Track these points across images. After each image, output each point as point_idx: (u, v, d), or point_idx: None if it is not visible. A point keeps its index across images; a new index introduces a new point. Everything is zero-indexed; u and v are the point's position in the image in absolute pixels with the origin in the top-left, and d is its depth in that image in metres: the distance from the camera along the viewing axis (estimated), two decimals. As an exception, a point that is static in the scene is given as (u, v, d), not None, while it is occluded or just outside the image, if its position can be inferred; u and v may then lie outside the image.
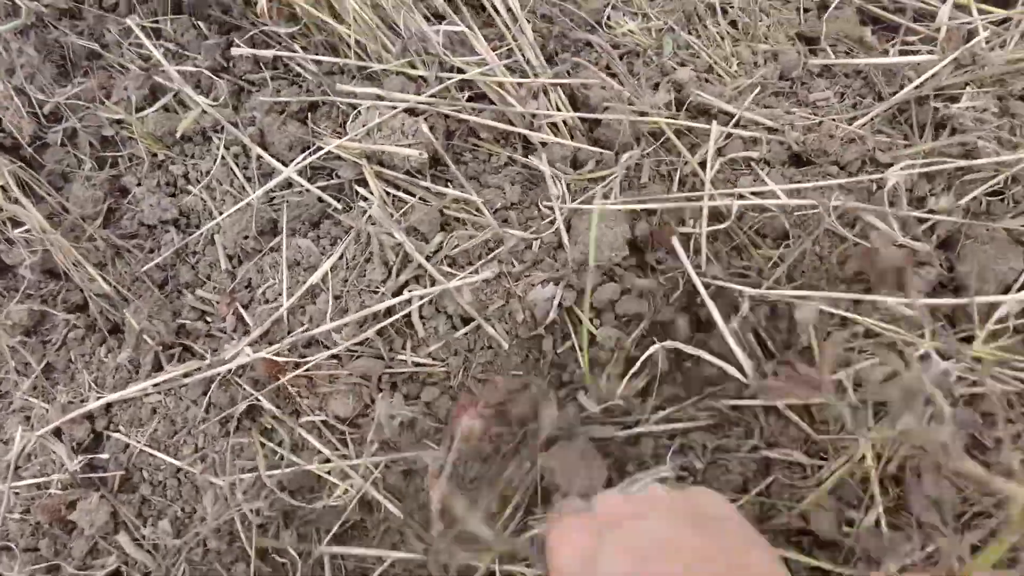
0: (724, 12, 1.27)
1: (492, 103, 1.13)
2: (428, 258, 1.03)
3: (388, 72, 1.13)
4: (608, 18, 1.25)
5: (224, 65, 1.24)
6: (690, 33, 1.28)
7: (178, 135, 1.18)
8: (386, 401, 0.91)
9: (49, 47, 1.26)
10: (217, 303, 1.14)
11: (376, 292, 1.02)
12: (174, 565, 1.01)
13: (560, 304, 1.01)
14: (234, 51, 1.13)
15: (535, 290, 1.04)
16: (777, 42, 1.24)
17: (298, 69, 1.21)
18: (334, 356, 1.02)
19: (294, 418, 1.04)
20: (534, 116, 1.11)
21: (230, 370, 1.04)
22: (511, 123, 1.11)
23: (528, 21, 1.15)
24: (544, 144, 1.13)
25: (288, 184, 1.15)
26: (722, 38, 1.25)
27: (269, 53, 1.17)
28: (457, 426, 0.79)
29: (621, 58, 1.22)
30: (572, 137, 1.13)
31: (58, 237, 1.10)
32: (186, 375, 1.06)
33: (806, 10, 1.30)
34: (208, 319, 1.14)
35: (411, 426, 1.00)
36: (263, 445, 1.02)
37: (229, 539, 1.00)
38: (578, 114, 1.13)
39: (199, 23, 1.27)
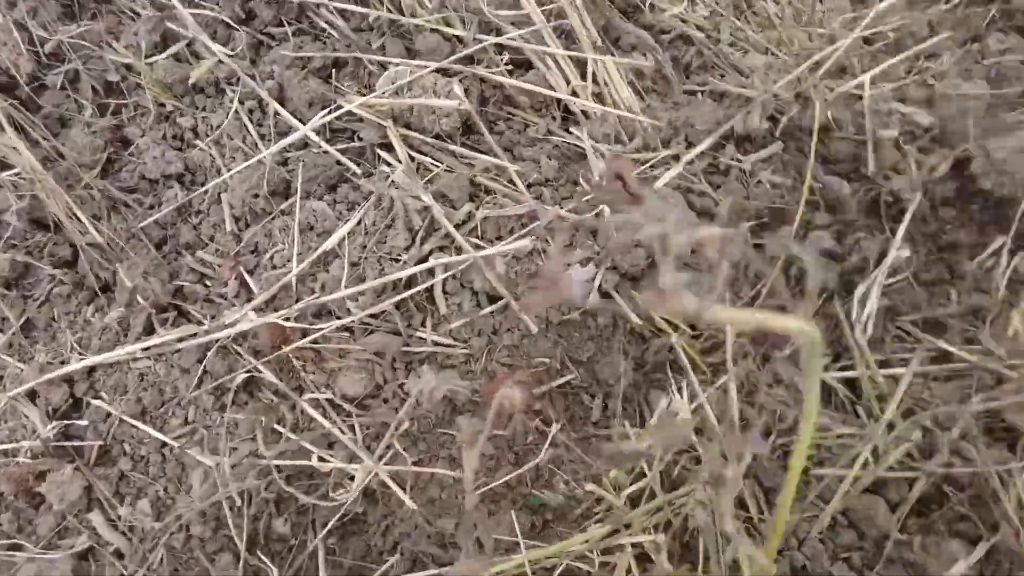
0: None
1: (533, 68, 1.05)
2: (457, 227, 0.94)
3: (421, 28, 1.05)
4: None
5: (243, 16, 1.15)
6: (739, 19, 1.21)
7: (190, 83, 1.09)
8: (428, 373, 0.81)
9: (56, -16, 1.18)
10: (219, 266, 1.04)
11: (398, 260, 0.93)
12: (151, 551, 0.90)
13: (600, 287, 0.92)
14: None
15: (572, 270, 0.95)
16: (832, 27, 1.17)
17: (323, 24, 1.13)
18: (346, 328, 0.93)
19: (297, 394, 0.94)
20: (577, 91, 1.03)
21: (230, 336, 0.94)
22: (552, 89, 1.03)
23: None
24: (587, 115, 1.05)
25: (305, 144, 1.06)
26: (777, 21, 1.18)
27: (293, 0, 1.08)
28: (493, 396, 0.70)
29: (670, 43, 1.15)
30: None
31: (51, 183, 1.00)
32: (180, 340, 0.96)
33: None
34: (208, 283, 1.04)
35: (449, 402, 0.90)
36: (264, 421, 0.92)
37: (215, 525, 0.90)
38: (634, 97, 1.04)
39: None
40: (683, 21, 1.16)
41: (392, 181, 0.98)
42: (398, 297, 0.91)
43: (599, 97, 1.05)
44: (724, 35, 1.15)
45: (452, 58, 1.01)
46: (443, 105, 0.94)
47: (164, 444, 0.94)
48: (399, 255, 0.93)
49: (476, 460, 0.56)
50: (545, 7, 1.03)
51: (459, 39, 1.04)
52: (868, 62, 1.13)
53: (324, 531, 0.89)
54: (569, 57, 1.03)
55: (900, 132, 1.01)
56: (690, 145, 1.03)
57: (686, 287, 0.35)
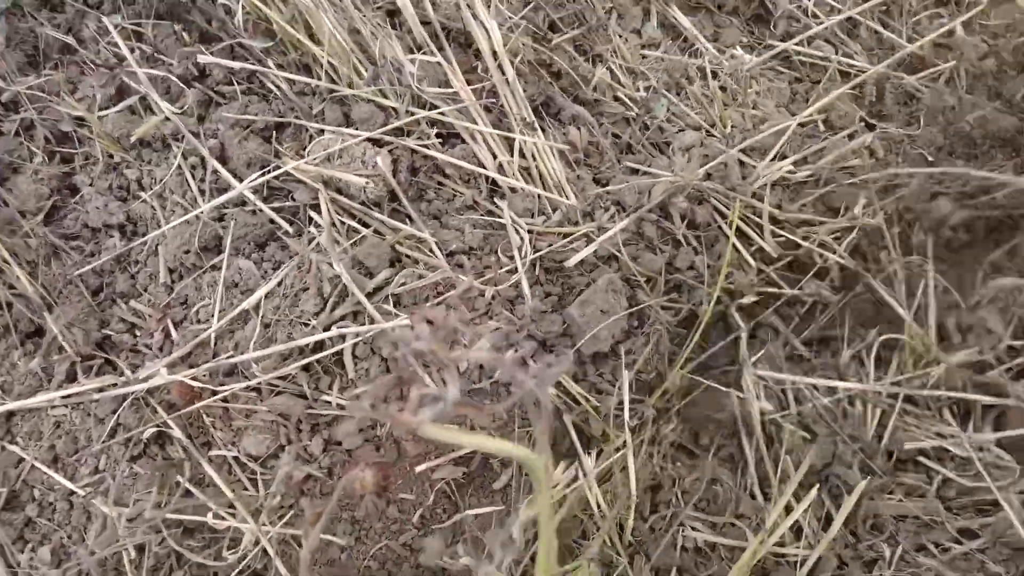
0: (714, 76, 1.24)
1: (463, 141, 1.09)
2: (369, 295, 0.97)
3: (358, 98, 1.09)
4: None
5: (197, 75, 1.20)
6: (678, 95, 1.24)
7: (134, 138, 1.13)
8: (291, 454, 0.83)
9: (22, 35, 1.23)
10: (149, 316, 1.07)
11: (307, 324, 0.96)
12: (50, 599, 0.92)
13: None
14: (200, 58, 1.09)
15: (485, 339, 0.97)
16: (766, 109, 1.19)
17: (270, 86, 1.17)
18: (254, 389, 0.95)
19: (205, 449, 0.96)
20: (505, 163, 1.06)
21: (144, 390, 0.97)
22: (481, 164, 1.06)
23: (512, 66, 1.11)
24: (513, 191, 1.08)
25: (242, 202, 1.10)
26: (711, 101, 1.21)
27: (239, 65, 1.13)
28: (346, 475, 0.72)
29: (609, 118, 1.18)
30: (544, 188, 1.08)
31: (-11, 228, 1.04)
32: (100, 390, 0.99)
33: (797, 80, 1.27)
34: (136, 333, 1.07)
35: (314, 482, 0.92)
36: (163, 476, 0.94)
37: (114, 576, 0.91)
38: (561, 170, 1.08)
39: (179, 30, 1.23)
40: (618, 99, 1.20)
41: (317, 244, 1.02)
42: (304, 361, 0.93)
43: (527, 171, 1.08)
44: (660, 112, 1.19)
45: (383, 128, 1.05)
46: (358, 181, 0.98)
47: (72, 492, 0.96)
48: (308, 320, 0.96)
49: (315, 541, 0.58)
50: (476, 86, 1.06)
51: (394, 110, 1.08)
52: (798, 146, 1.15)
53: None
54: (497, 131, 1.06)
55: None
56: (612, 218, 1.06)
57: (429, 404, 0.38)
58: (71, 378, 1.02)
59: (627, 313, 0.99)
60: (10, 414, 1.00)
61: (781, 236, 1.08)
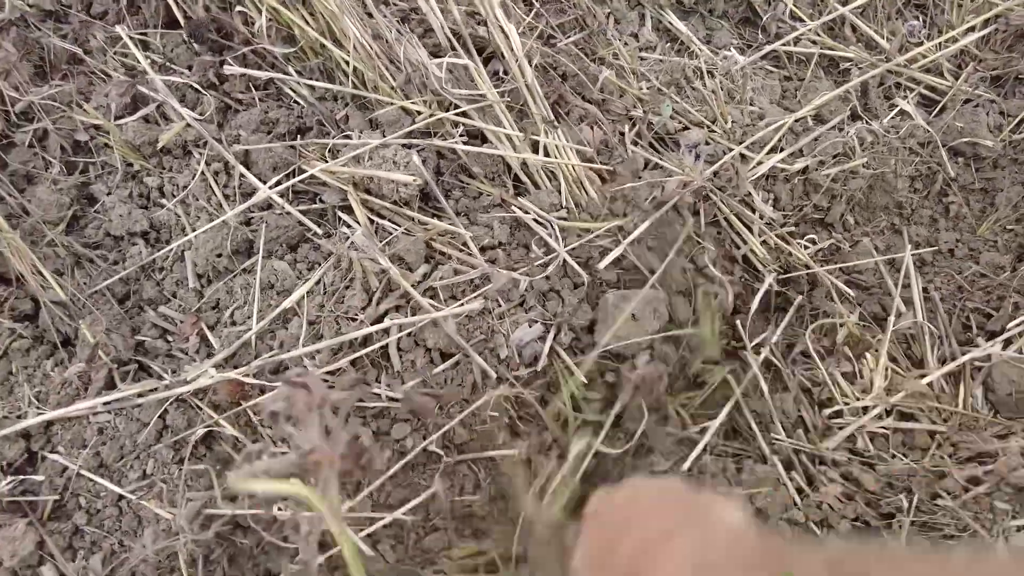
0: (711, 75, 1.32)
1: (486, 141, 1.13)
2: (413, 287, 1.00)
3: (383, 103, 1.12)
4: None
5: (214, 82, 1.21)
6: (678, 94, 1.31)
7: (159, 146, 1.13)
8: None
9: (29, 46, 1.22)
10: (181, 322, 1.08)
11: (354, 319, 0.99)
12: (102, 606, 0.91)
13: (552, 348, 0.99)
14: (226, 69, 1.11)
15: (521, 329, 1.02)
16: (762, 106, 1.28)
17: (289, 92, 1.19)
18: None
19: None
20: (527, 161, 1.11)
21: (190, 392, 0.97)
22: (505, 162, 1.11)
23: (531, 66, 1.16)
24: (537, 187, 1.13)
25: (268, 206, 1.12)
26: (712, 96, 1.28)
27: (263, 74, 1.15)
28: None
29: (616, 117, 1.25)
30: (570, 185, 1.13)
31: (15, 238, 1.03)
32: (140, 395, 0.99)
33: (787, 79, 1.36)
34: (169, 338, 1.08)
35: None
36: (218, 471, 0.95)
37: (169, 578, 0.92)
38: (586, 163, 1.13)
39: (189, 39, 1.24)
40: (625, 99, 1.26)
41: (351, 243, 1.04)
42: (355, 355, 0.96)
43: (548, 169, 1.14)
44: (666, 112, 1.26)
45: (406, 129, 1.08)
46: (400, 178, 1.01)
47: (121, 497, 0.96)
48: (356, 314, 0.98)
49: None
50: (498, 88, 1.11)
51: (418, 112, 1.12)
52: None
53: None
54: (519, 131, 1.11)
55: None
56: (626, 214, 1.12)
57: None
58: (109, 385, 1.02)
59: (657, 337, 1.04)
60: (48, 424, 0.99)
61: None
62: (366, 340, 0.98)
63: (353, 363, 0.98)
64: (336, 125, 1.15)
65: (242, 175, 1.12)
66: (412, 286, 1.00)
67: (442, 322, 0.94)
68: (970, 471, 0.97)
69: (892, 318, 1.11)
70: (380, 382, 0.99)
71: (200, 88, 1.19)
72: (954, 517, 0.93)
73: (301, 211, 1.10)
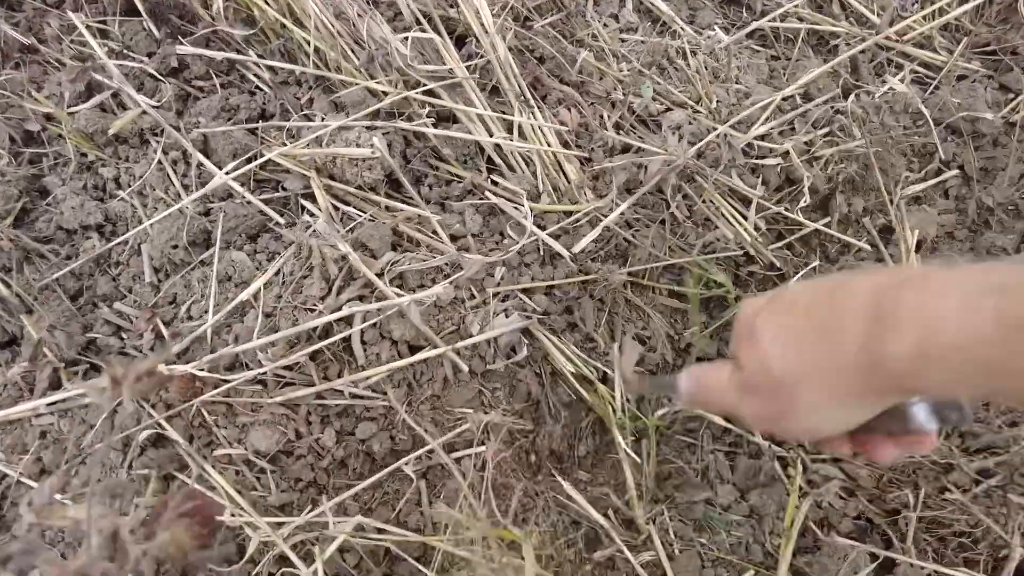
0: (694, 55, 1.26)
1: (457, 122, 1.07)
2: (378, 275, 0.94)
3: (346, 83, 1.06)
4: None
5: (173, 68, 1.15)
6: (661, 75, 1.26)
7: (112, 134, 1.08)
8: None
9: (-21, 35, 1.17)
10: (136, 318, 1.02)
11: (312, 310, 0.92)
12: (43, 623, 0.84)
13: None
14: (179, 48, 1.05)
15: (499, 319, 0.95)
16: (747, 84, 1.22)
17: (251, 77, 1.14)
18: (259, 381, 0.90)
19: (208, 450, 0.90)
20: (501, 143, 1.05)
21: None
22: (478, 144, 1.05)
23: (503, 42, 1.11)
24: (511, 168, 1.07)
25: (229, 195, 1.05)
26: (695, 77, 1.22)
27: (220, 55, 1.09)
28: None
29: (595, 99, 1.19)
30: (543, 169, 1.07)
31: (-43, 233, 0.97)
32: (86, 395, 0.93)
33: (774, 58, 1.30)
34: (123, 335, 1.01)
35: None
36: (170, 479, 0.88)
37: (115, 591, 0.84)
38: (561, 150, 1.07)
39: (150, 26, 1.19)
40: (604, 81, 1.20)
41: (313, 230, 0.98)
42: (312, 348, 0.90)
43: (523, 151, 1.08)
44: (646, 92, 1.20)
45: (370, 109, 1.02)
46: (361, 154, 0.95)
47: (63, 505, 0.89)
48: (314, 304, 0.92)
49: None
50: (468, 63, 1.05)
51: (384, 93, 1.06)
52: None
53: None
54: (492, 111, 1.05)
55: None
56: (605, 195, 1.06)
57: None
58: (55, 385, 0.95)
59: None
60: (-11, 428, 0.93)
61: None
62: (327, 332, 0.92)
63: (312, 357, 0.91)
64: (300, 109, 1.09)
65: (200, 164, 1.06)
66: (377, 275, 0.94)
67: (406, 309, 0.87)
68: (980, 463, 0.90)
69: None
70: (342, 377, 0.92)
71: (158, 75, 1.13)
72: (965, 512, 0.86)
73: (263, 200, 1.04)
